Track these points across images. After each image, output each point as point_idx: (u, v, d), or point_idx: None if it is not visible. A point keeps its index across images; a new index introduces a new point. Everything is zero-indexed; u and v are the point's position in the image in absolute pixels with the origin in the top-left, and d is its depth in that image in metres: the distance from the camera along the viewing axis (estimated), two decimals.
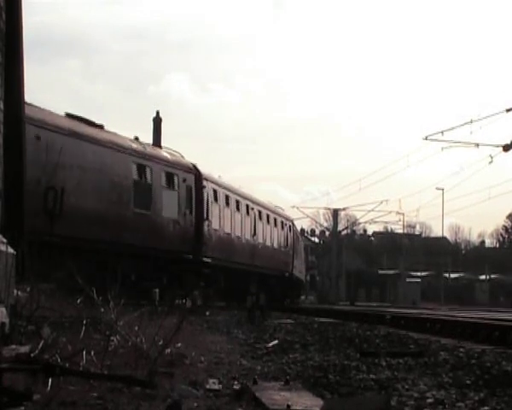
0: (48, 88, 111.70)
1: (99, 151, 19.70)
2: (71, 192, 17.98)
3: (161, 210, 22.46)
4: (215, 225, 26.57)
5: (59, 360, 5.04)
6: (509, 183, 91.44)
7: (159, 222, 22.28)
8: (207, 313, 18.47)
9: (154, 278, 20.96)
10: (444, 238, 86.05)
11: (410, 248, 79.75)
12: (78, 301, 8.16)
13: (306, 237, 70.03)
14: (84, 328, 6.71)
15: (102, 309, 7.37)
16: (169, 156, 23.92)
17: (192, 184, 24.38)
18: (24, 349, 4.88)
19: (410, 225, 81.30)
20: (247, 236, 30.87)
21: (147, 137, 27.29)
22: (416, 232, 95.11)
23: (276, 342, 10.49)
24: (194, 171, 24.97)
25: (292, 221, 41.13)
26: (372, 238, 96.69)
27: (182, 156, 25.12)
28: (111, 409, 4.55)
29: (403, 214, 63.28)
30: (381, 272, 75.99)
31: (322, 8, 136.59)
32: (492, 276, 75.84)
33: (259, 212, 32.99)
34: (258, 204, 33.11)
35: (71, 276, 7.74)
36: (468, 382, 6.42)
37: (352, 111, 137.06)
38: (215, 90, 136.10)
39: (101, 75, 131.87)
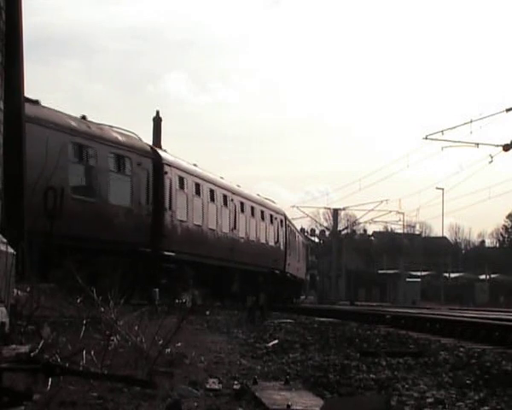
0: (47, 88, 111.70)
1: (28, 129, 15.32)
2: None
3: (108, 197, 19.70)
4: (181, 215, 23.94)
5: (59, 359, 5.04)
6: (509, 182, 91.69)
7: (105, 210, 19.58)
8: (207, 313, 18.47)
9: (104, 270, 16.88)
10: (444, 238, 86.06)
11: (410, 248, 79.81)
12: (78, 300, 8.16)
13: (306, 236, 69.96)
14: (84, 328, 6.71)
15: (102, 309, 7.37)
16: (120, 137, 20.99)
17: (150, 170, 21.81)
18: (24, 349, 4.88)
19: (410, 225, 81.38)
20: (225, 229, 28.13)
21: (147, 137, 27.21)
22: (416, 232, 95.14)
23: (276, 341, 10.49)
24: (153, 155, 22.53)
25: (284, 215, 38.40)
26: (372, 238, 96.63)
27: (139, 139, 22.54)
28: (111, 409, 4.55)
29: (403, 214, 63.40)
30: (380, 271, 76.01)
31: (318, 7, 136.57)
32: (492, 276, 75.81)
33: (241, 203, 30.31)
34: (239, 195, 30.35)
35: (71, 275, 7.75)
36: (468, 381, 6.42)
37: (352, 111, 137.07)
38: (213, 89, 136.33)
39: (100, 75, 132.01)
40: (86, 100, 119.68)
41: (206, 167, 28.53)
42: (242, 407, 4.96)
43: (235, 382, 6.02)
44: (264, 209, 33.59)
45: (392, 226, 77.74)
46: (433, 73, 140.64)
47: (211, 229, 26.71)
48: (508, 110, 32.35)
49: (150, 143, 31.29)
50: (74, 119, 19.36)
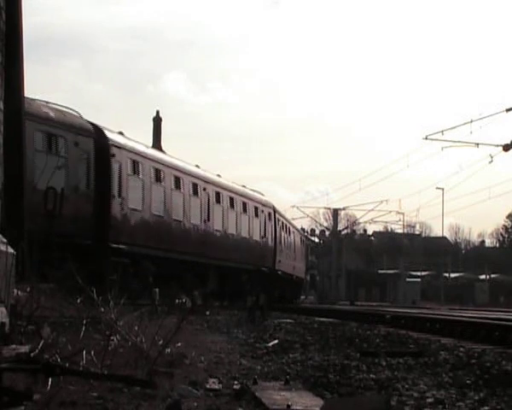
0: (47, 88, 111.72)
1: None
2: None
3: (34, 181, 16.11)
4: (134, 204, 21.04)
5: (59, 359, 5.04)
6: (509, 183, 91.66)
7: (31, 197, 15.53)
8: (207, 313, 18.47)
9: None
10: (444, 238, 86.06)
11: (410, 248, 79.82)
12: (78, 300, 8.16)
13: (306, 236, 69.97)
14: (83, 328, 6.72)
15: (102, 309, 7.38)
16: (52, 113, 18.49)
17: (91, 151, 19.33)
18: (24, 349, 4.88)
19: (409, 225, 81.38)
20: (195, 220, 25.44)
21: (147, 137, 27.20)
22: (416, 232, 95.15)
23: (276, 341, 10.49)
24: (95, 134, 19.80)
25: (273, 208, 35.05)
26: (372, 238, 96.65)
27: (79, 116, 19.88)
28: (111, 409, 4.55)
29: (403, 214, 63.38)
30: (380, 271, 76.02)
31: (317, 7, 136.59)
32: (492, 276, 75.81)
33: (217, 193, 27.42)
34: (215, 184, 27.58)
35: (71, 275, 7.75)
36: (468, 381, 6.42)
37: (352, 111, 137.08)
38: (213, 89, 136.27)
39: (100, 75, 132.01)
40: (86, 100, 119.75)
41: (207, 168, 28.45)
42: (242, 407, 4.96)
43: (235, 382, 6.02)
44: (246, 201, 30.73)
45: (392, 226, 77.81)
46: (433, 73, 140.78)
47: (176, 220, 24.00)
48: (508, 110, 32.36)
49: (150, 143, 31.20)
50: None
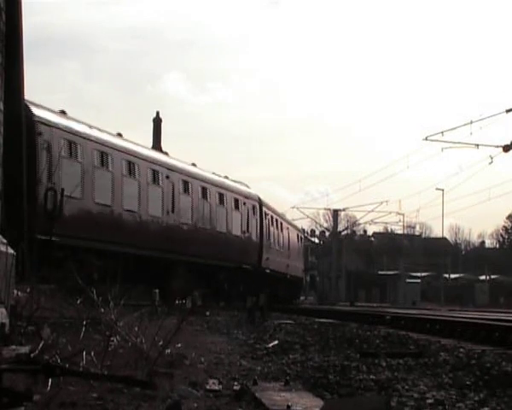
0: (47, 88, 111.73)
1: None
2: None
3: None
4: (71, 191, 17.47)
5: (59, 360, 5.05)
6: (508, 183, 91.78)
7: None
8: (207, 314, 18.48)
9: None
10: (444, 239, 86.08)
11: (410, 249, 79.80)
12: (78, 301, 8.16)
13: (306, 237, 69.99)
14: (84, 328, 6.72)
15: (102, 310, 7.38)
16: None
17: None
18: (24, 350, 4.89)
19: (410, 226, 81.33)
20: (156, 212, 22.87)
21: (147, 138, 27.11)
22: (416, 233, 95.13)
23: (276, 342, 10.49)
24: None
25: (259, 201, 32.25)
26: (372, 239, 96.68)
27: None
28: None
29: (403, 215, 63.30)
30: (380, 272, 76.01)
31: (317, 7, 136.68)
32: (492, 276, 75.81)
33: (185, 182, 24.85)
34: (181, 172, 24.84)
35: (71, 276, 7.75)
36: (468, 382, 6.42)
37: (352, 111, 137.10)
38: (213, 89, 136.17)
39: (100, 75, 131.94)
40: (86, 100, 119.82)
41: (207, 168, 28.26)
42: (242, 408, 4.96)
43: (235, 383, 6.02)
44: (224, 192, 28.07)
45: (393, 227, 77.82)
46: (433, 73, 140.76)
47: (128, 211, 21.32)
48: (508, 111, 32.36)
49: (150, 144, 31.10)
50: None
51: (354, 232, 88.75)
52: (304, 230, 67.17)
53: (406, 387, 6.09)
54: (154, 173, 22.99)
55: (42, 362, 4.59)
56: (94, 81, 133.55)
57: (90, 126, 20.49)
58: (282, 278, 37.58)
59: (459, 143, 36.39)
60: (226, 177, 30.24)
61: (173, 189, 23.99)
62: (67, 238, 18.01)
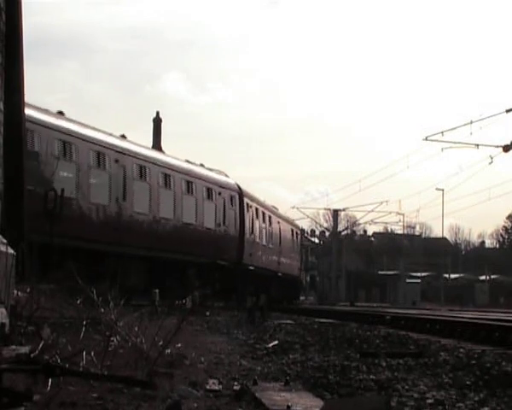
0: (47, 88, 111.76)
1: None
2: None
3: None
4: None
5: (59, 360, 5.05)
6: (508, 183, 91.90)
7: None
8: (207, 314, 18.48)
9: None
10: (444, 239, 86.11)
11: (410, 249, 79.80)
12: (78, 301, 8.16)
13: (306, 237, 70.02)
14: (83, 328, 6.72)
15: (102, 310, 7.38)
16: None
17: None
18: (24, 350, 4.89)
19: (410, 226, 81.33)
20: (101, 200, 20.49)
21: (147, 138, 27.01)
22: (416, 233, 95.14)
23: (276, 342, 10.49)
24: None
25: (239, 191, 29.50)
26: (372, 239, 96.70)
27: None
28: None
29: (403, 215, 63.35)
30: (380, 272, 76.06)
31: (317, 6, 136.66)
32: (492, 276, 75.84)
33: (140, 167, 22.29)
34: (136, 156, 22.22)
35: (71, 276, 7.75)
36: (468, 382, 6.42)
37: (352, 111, 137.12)
38: (213, 89, 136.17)
39: (99, 75, 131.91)
40: (86, 100, 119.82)
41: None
42: (242, 408, 4.96)
43: (235, 383, 6.02)
44: (192, 180, 25.46)
45: (393, 227, 77.85)
46: (432, 73, 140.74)
47: (66, 198, 18.36)
48: (508, 111, 32.39)
49: (150, 144, 30.91)
50: None
51: (354, 232, 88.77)
52: (304, 230, 67.21)
53: (406, 387, 6.09)
54: (98, 156, 20.44)
55: (42, 362, 4.59)
56: (93, 81, 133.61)
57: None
58: (272, 277, 35.12)
59: (459, 143, 36.44)
60: (202, 165, 28.01)
61: (124, 174, 21.38)
62: None
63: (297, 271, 43.04)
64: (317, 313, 26.25)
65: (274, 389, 5.72)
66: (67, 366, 4.89)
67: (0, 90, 7.82)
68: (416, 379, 6.58)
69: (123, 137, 22.58)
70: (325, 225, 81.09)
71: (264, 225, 33.63)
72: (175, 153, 26.92)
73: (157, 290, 19.19)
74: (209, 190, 26.72)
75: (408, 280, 67.99)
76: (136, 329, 6.95)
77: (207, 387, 5.65)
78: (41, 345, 5.36)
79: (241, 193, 29.67)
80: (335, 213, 66.47)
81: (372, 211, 61.02)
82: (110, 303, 7.48)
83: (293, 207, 61.18)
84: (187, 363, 6.98)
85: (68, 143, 19.27)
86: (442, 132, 35.80)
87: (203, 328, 13.55)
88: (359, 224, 76.44)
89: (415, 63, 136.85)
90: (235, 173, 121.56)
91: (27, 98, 10.21)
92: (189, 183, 25.25)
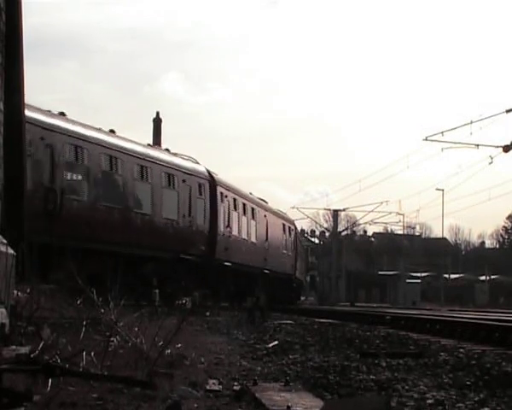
0: (47, 89, 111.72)
1: None
2: None
3: None
4: None
5: (59, 360, 5.05)
6: (509, 184, 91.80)
7: None
8: (207, 314, 18.48)
9: None
10: (444, 239, 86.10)
11: (410, 249, 79.79)
12: (78, 301, 8.17)
13: (306, 237, 70.05)
14: (84, 329, 6.72)
15: (102, 310, 7.38)
16: None
17: None
18: (24, 350, 4.89)
19: (410, 226, 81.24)
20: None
21: (147, 138, 26.86)
22: (416, 233, 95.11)
23: (276, 342, 10.49)
24: None
25: (210, 179, 26.54)
26: (372, 239, 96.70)
27: None
28: None
29: (403, 215, 63.28)
30: (380, 272, 76.03)
31: (316, 6, 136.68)
32: (492, 277, 75.85)
33: (76, 149, 19.30)
34: (71, 135, 19.14)
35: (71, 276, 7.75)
36: (468, 382, 6.42)
37: (352, 111, 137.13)
38: (213, 89, 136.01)
39: (99, 75, 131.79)
40: (86, 100, 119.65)
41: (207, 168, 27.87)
42: (242, 408, 4.96)
43: (235, 383, 6.02)
44: (147, 164, 22.41)
45: (393, 227, 77.73)
46: (432, 73, 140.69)
47: None
48: (508, 111, 32.37)
49: (150, 143, 30.37)
50: None
51: (354, 233, 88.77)
52: (304, 230, 67.25)
53: (406, 387, 6.09)
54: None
55: (42, 362, 4.59)
56: (92, 82, 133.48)
57: None
58: (257, 274, 31.90)
59: (459, 143, 36.40)
60: (167, 149, 25.61)
61: (52, 155, 18.41)
62: None
63: (290, 268, 39.98)
64: (317, 314, 26.25)
65: (274, 389, 5.72)
66: (67, 366, 4.89)
67: (0, 90, 7.82)
68: (415, 379, 6.58)
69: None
70: (325, 225, 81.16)
71: (245, 218, 30.44)
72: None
73: (157, 290, 19.21)
74: (170, 177, 23.79)
75: (408, 280, 67.95)
76: (136, 329, 6.96)
77: (207, 387, 5.65)
78: (41, 345, 5.36)
79: (213, 181, 26.75)
80: (335, 213, 66.45)
81: (372, 211, 60.97)
82: (110, 303, 7.48)
83: (293, 208, 61.06)
84: (187, 363, 6.98)
85: None
86: (442, 132, 35.78)
87: (203, 328, 13.55)
88: (359, 224, 76.46)
89: (415, 63, 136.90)
90: (235, 173, 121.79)
91: (27, 98, 10.20)
92: (143, 168, 22.24)
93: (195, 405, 4.92)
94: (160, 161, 23.42)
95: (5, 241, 7.44)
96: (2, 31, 8.00)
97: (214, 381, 5.96)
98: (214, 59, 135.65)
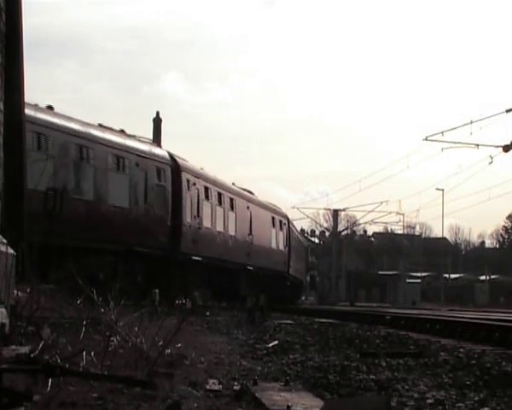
0: (47, 88, 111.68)
1: None
2: None
3: None
4: None
5: (59, 360, 5.04)
6: (508, 183, 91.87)
7: None
8: (207, 314, 18.48)
9: None
10: (444, 239, 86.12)
11: (410, 249, 79.82)
12: (78, 301, 8.17)
13: (306, 237, 70.05)
14: (84, 329, 6.72)
15: (102, 310, 7.38)
16: None
17: None
18: (24, 350, 4.89)
19: (410, 226, 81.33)
20: None
21: (147, 137, 26.59)
22: (416, 233, 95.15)
23: (276, 342, 10.49)
24: None
25: (172, 164, 24.04)
26: (372, 239, 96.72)
27: None
28: None
29: (403, 215, 63.35)
30: (380, 272, 76.11)
31: (316, 6, 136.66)
32: (492, 276, 75.87)
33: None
34: None
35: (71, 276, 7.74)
36: (467, 382, 6.42)
37: (352, 111, 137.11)
38: (213, 89, 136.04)
39: (99, 75, 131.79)
40: (86, 100, 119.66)
41: (208, 168, 27.50)
42: (242, 408, 4.96)
43: (235, 383, 6.02)
44: (89, 144, 20.06)
45: (393, 227, 77.81)
46: (432, 73, 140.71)
47: None
48: (508, 111, 32.39)
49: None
50: None
51: (354, 232, 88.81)
52: (304, 230, 67.22)
53: (406, 387, 6.09)
54: None
55: (42, 362, 4.59)
56: (93, 81, 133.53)
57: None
58: (239, 271, 29.54)
59: (459, 143, 36.44)
60: (122, 130, 22.66)
61: None
62: None
63: (282, 265, 37.28)
64: (316, 313, 26.25)
65: (274, 389, 5.72)
66: (67, 366, 4.89)
67: (0, 90, 7.82)
68: (415, 379, 6.58)
69: None
70: (325, 225, 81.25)
71: (221, 209, 27.86)
72: (175, 153, 26.47)
73: (157, 290, 19.18)
74: (119, 160, 21.15)
75: (408, 280, 68.01)
76: (136, 329, 6.95)
77: (207, 387, 5.65)
78: (41, 345, 5.36)
79: (176, 167, 24.21)
80: (335, 213, 66.50)
81: (372, 211, 61.05)
82: (110, 303, 7.48)
83: (293, 207, 61.14)
84: (187, 363, 6.98)
85: None
86: (442, 132, 35.82)
87: (203, 328, 13.55)
88: (359, 224, 76.50)
89: (415, 63, 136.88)
90: (235, 173, 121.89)
91: (27, 98, 10.21)
92: (82, 147, 19.68)
93: (195, 404, 4.92)
94: (106, 141, 20.57)
95: (5, 241, 7.44)
96: (2, 30, 8.00)
97: (214, 381, 5.96)
98: (214, 59, 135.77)
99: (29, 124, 15.94)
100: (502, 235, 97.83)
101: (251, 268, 31.05)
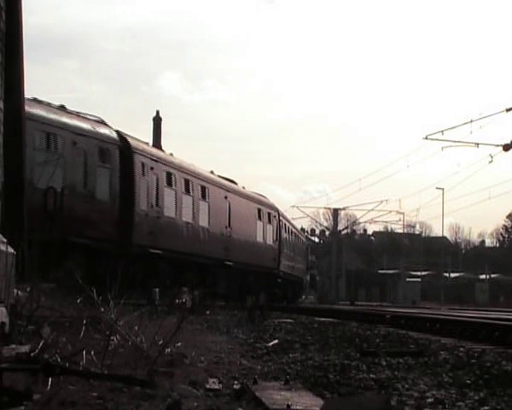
0: (46, 88, 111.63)
1: None
2: None
3: None
4: None
5: (59, 359, 5.04)
6: (508, 183, 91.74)
7: None
8: (207, 313, 18.48)
9: None
10: (444, 238, 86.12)
11: (410, 248, 79.88)
12: (78, 300, 8.17)
13: (306, 236, 70.05)
14: (84, 328, 6.72)
15: (102, 309, 7.38)
16: None
17: None
18: (24, 349, 4.89)
19: (410, 225, 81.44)
20: None
21: (147, 137, 26.71)
22: (416, 232, 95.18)
23: (276, 341, 10.49)
24: None
25: (121, 144, 21.18)
26: (372, 238, 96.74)
27: None
28: (111, 409, 4.55)
29: (403, 214, 63.41)
30: (381, 271, 76.13)
31: (316, 6, 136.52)
32: (492, 276, 75.86)
33: None
34: None
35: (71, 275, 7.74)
36: (468, 381, 6.42)
37: (351, 110, 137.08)
38: (213, 89, 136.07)
39: (98, 75, 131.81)
40: (85, 100, 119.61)
41: (206, 168, 27.42)
42: (242, 407, 4.95)
43: (236, 382, 6.01)
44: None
45: (393, 226, 77.88)
46: (433, 73, 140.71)
47: None
48: (508, 110, 32.40)
49: (150, 143, 29.60)
50: None
51: (354, 231, 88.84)
52: (304, 229, 67.16)
53: (406, 386, 6.08)
54: None
55: (42, 361, 4.59)
56: (92, 81, 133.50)
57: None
58: (216, 266, 27.19)
59: (459, 142, 36.46)
60: (63, 106, 20.01)
61: None
62: None
63: (271, 261, 34.61)
64: (316, 313, 26.24)
65: (274, 388, 5.71)
66: (67, 365, 4.89)
67: (0, 88, 7.82)
68: (416, 378, 6.58)
69: None
70: (325, 224, 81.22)
71: (189, 198, 25.18)
72: (174, 153, 26.38)
73: (157, 289, 19.18)
74: (50, 137, 18.50)
75: (408, 279, 68.07)
76: (136, 328, 6.96)
77: (207, 386, 5.64)
78: (41, 344, 5.36)
79: (127, 148, 21.33)
80: (335, 212, 66.51)
81: (372, 210, 61.11)
82: (110, 302, 7.48)
83: (293, 206, 61.19)
84: (187, 362, 6.98)
85: None
86: (442, 131, 35.86)
87: (203, 327, 13.54)
88: (359, 223, 76.54)
89: (415, 63, 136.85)
90: (236, 173, 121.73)
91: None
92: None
93: (195, 404, 4.92)
94: (33, 115, 17.22)
95: (5, 240, 7.44)
96: (2, 30, 8.00)
97: (214, 380, 5.95)
98: (213, 58, 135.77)
99: None
100: (502, 234, 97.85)
101: (230, 264, 28.45)
